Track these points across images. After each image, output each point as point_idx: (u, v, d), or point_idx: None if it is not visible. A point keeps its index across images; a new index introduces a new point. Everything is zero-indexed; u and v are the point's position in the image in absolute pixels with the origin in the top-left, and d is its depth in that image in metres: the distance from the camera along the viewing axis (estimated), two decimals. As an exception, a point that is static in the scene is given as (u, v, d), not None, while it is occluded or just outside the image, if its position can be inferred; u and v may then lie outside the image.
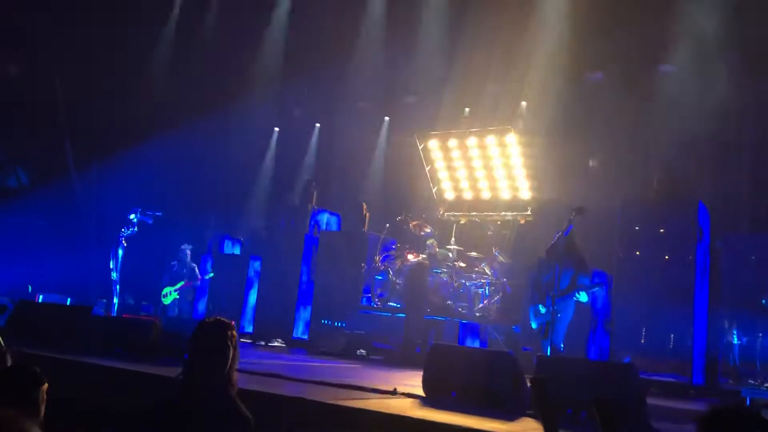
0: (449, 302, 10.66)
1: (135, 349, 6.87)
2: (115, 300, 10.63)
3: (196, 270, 12.08)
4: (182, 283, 11.67)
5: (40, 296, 12.00)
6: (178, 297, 11.69)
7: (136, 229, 10.61)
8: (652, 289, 9.07)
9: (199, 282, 12.07)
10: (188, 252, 11.99)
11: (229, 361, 3.28)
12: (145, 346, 6.87)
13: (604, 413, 2.51)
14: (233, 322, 3.48)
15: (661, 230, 9.32)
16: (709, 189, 10.73)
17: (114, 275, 10.62)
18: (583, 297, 7.42)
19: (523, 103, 12.65)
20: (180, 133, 13.52)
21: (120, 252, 10.59)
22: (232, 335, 3.32)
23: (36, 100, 14.61)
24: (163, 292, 11.64)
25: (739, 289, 9.03)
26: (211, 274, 12.12)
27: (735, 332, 8.93)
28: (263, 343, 11.54)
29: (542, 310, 7.38)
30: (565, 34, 11.75)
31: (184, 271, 11.92)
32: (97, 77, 14.01)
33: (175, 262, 11.97)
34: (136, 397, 5.30)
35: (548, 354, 7.03)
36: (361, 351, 10.58)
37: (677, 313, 8.91)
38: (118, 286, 10.65)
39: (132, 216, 10.62)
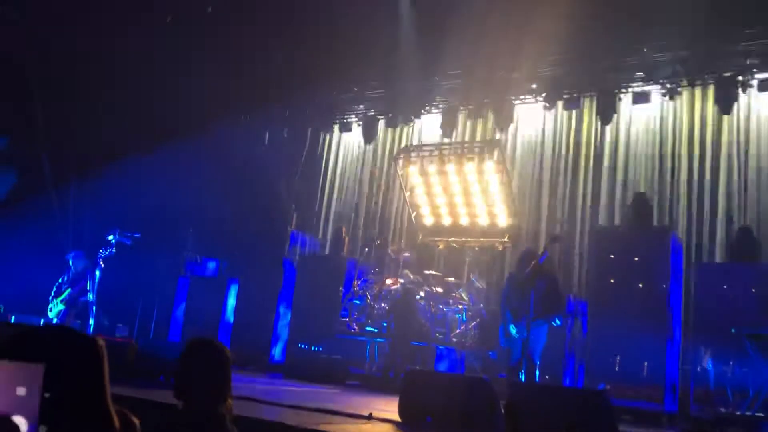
0: (426, 327, 10.70)
1: (110, 370, 6.80)
2: (91, 321, 10.48)
3: (89, 282, 10.67)
4: (68, 291, 10.70)
5: (13, 317, 11.82)
6: (63, 308, 10.67)
7: (114, 250, 10.48)
8: (626, 317, 9.18)
9: (82, 292, 10.68)
10: (70, 260, 10.95)
11: (226, 384, 3.24)
12: (120, 367, 6.80)
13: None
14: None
15: (636, 258, 9.47)
16: (682, 218, 10.95)
17: (90, 296, 10.47)
18: (557, 322, 7.50)
19: (500, 132, 12.85)
20: (158, 153, 13.50)
21: (97, 273, 10.45)
22: (226, 358, 3.27)
23: (13, 117, 14.53)
24: (49, 306, 10.78)
25: (712, 317, 9.16)
26: (90, 296, 10.69)
27: (710, 360, 9.05)
28: (239, 367, 11.45)
29: (513, 330, 7.48)
30: (539, 65, 12.00)
31: (68, 278, 10.82)
32: (77, 94, 13.99)
33: (65, 275, 10.93)
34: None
35: (523, 379, 7.08)
36: None
37: (651, 340, 9.03)
38: (94, 308, 10.50)
39: (110, 237, 10.50)
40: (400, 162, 12.36)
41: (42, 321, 11.01)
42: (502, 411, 4.85)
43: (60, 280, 10.79)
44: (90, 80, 13.86)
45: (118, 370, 6.64)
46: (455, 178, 11.96)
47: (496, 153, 11.43)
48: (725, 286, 9.27)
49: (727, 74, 10.63)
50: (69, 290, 10.66)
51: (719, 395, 8.78)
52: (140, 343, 7.27)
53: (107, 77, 13.88)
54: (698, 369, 9.05)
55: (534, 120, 12.84)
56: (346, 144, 15.17)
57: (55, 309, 10.69)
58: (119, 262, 11.14)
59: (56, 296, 10.70)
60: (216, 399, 3.18)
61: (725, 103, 10.61)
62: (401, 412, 5.70)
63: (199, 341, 3.38)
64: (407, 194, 12.48)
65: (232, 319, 12.45)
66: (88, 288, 10.53)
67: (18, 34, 13.50)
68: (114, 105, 14.03)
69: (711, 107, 11.04)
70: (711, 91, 11.07)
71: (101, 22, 13.33)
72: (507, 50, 11.57)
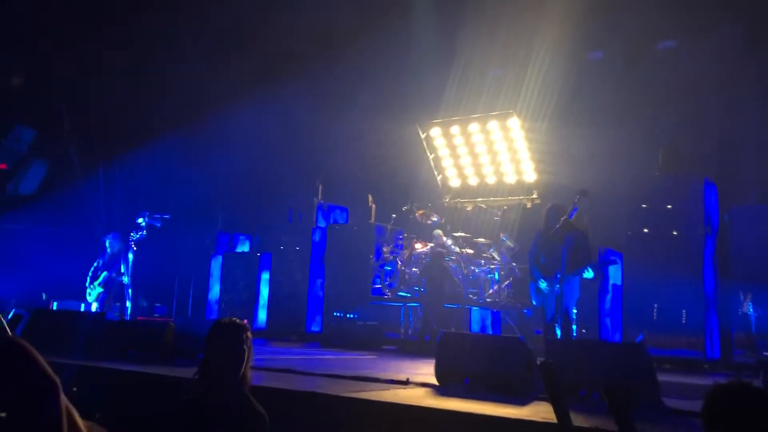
0: (460, 289, 10.69)
1: (149, 351, 6.93)
2: (128, 304, 10.69)
3: (123, 265, 10.75)
4: (105, 274, 10.81)
5: (54, 303, 12.09)
6: (102, 290, 10.80)
7: (144, 232, 10.62)
8: (662, 266, 9.07)
9: (118, 275, 10.78)
10: (108, 242, 11.03)
11: (244, 360, 3.37)
12: (159, 348, 6.93)
13: (615, 398, 2.52)
14: (246, 322, 3.56)
15: (669, 206, 9.30)
16: (714, 162, 10.68)
17: (125, 279, 10.66)
18: (588, 274, 7.42)
19: (525, 86, 12.60)
20: (183, 132, 13.56)
21: (130, 256, 10.62)
22: (247, 336, 3.42)
23: (40, 105, 14.70)
24: (87, 291, 10.93)
25: (750, 261, 9.00)
26: (126, 279, 10.79)
27: (750, 304, 8.91)
28: (278, 338, 11.61)
29: (542, 285, 7.42)
30: (565, 15, 11.68)
31: (104, 261, 10.93)
32: (101, 78, 14.08)
33: (99, 259, 11.07)
34: (151, 399, 5.36)
35: (558, 335, 7.04)
36: None
37: (688, 288, 8.91)
38: (130, 290, 10.69)
39: (140, 220, 10.63)
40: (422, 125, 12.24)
41: (82, 306, 11.26)
42: (539, 369, 4.83)
43: (95, 264, 10.98)
44: (114, 65, 13.93)
45: (157, 351, 6.78)
46: (479, 137, 11.81)
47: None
48: (762, 229, 9.07)
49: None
50: (105, 273, 10.86)
51: (762, 339, 8.65)
52: (178, 323, 7.37)
53: (132, 61, 13.94)
54: (740, 313, 8.92)
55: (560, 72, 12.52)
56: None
57: (93, 293, 10.89)
58: (153, 243, 11.31)
59: (93, 280, 10.91)
60: (235, 375, 3.33)
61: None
62: (438, 376, 5.71)
63: (218, 322, 3.52)
64: (431, 157, 12.36)
65: (267, 293, 12.59)
66: (122, 270, 10.71)
67: (43, 30, 13.58)
68: (139, 89, 14.10)
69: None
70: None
71: (125, 11, 13.35)
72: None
